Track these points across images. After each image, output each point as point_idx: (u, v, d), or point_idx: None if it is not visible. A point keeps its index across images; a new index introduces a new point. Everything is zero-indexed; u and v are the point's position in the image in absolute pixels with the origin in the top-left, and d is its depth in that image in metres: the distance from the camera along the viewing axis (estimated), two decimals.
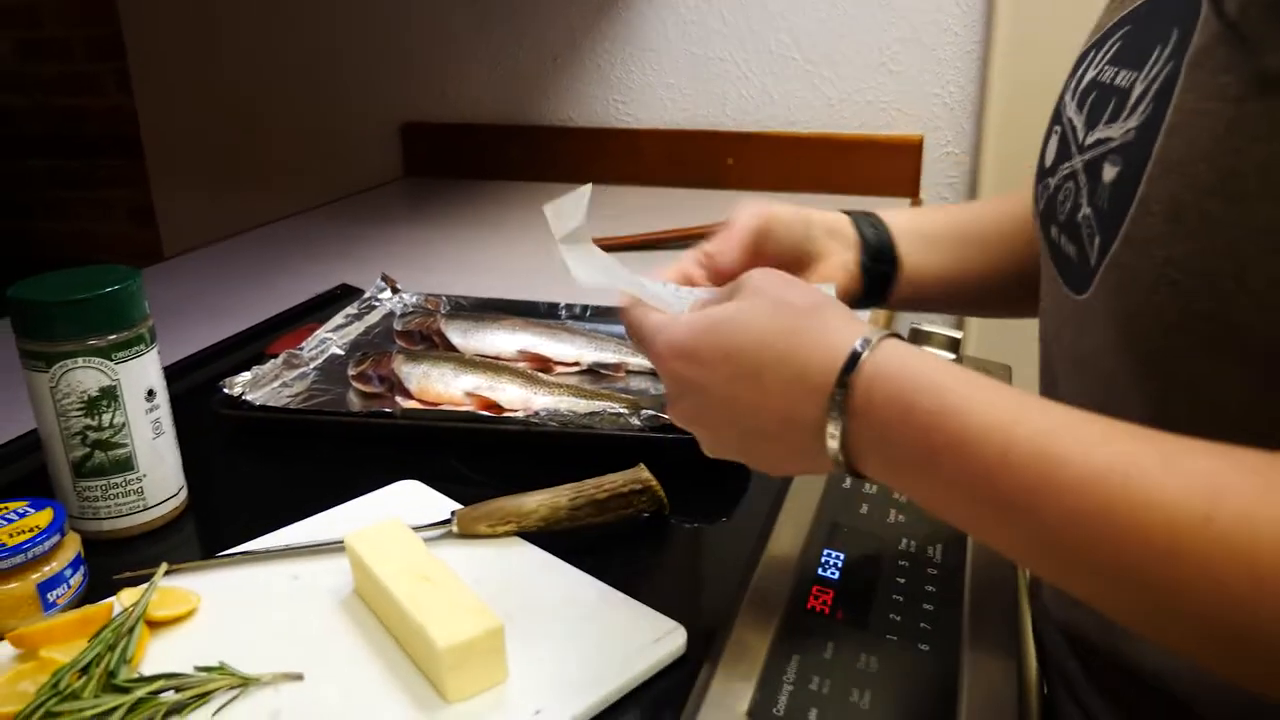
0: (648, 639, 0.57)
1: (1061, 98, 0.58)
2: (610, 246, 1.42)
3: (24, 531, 0.60)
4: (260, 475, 0.83)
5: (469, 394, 0.88)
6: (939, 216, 0.78)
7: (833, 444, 0.46)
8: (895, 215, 0.75)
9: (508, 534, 0.67)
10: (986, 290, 0.77)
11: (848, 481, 0.74)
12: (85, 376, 0.66)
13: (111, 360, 0.67)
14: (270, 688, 0.54)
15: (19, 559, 0.59)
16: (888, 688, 0.53)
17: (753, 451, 0.52)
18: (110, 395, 0.67)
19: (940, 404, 0.43)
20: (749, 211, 0.69)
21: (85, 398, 0.67)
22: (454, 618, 0.52)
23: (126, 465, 0.69)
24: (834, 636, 0.57)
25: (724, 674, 0.54)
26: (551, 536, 0.67)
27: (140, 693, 0.51)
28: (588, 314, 1.09)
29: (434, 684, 0.53)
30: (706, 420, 0.53)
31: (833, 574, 0.63)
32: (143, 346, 0.69)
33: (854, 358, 0.45)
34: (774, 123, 1.75)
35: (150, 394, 0.70)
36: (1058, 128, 0.57)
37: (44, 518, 0.62)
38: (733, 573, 0.65)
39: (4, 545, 0.59)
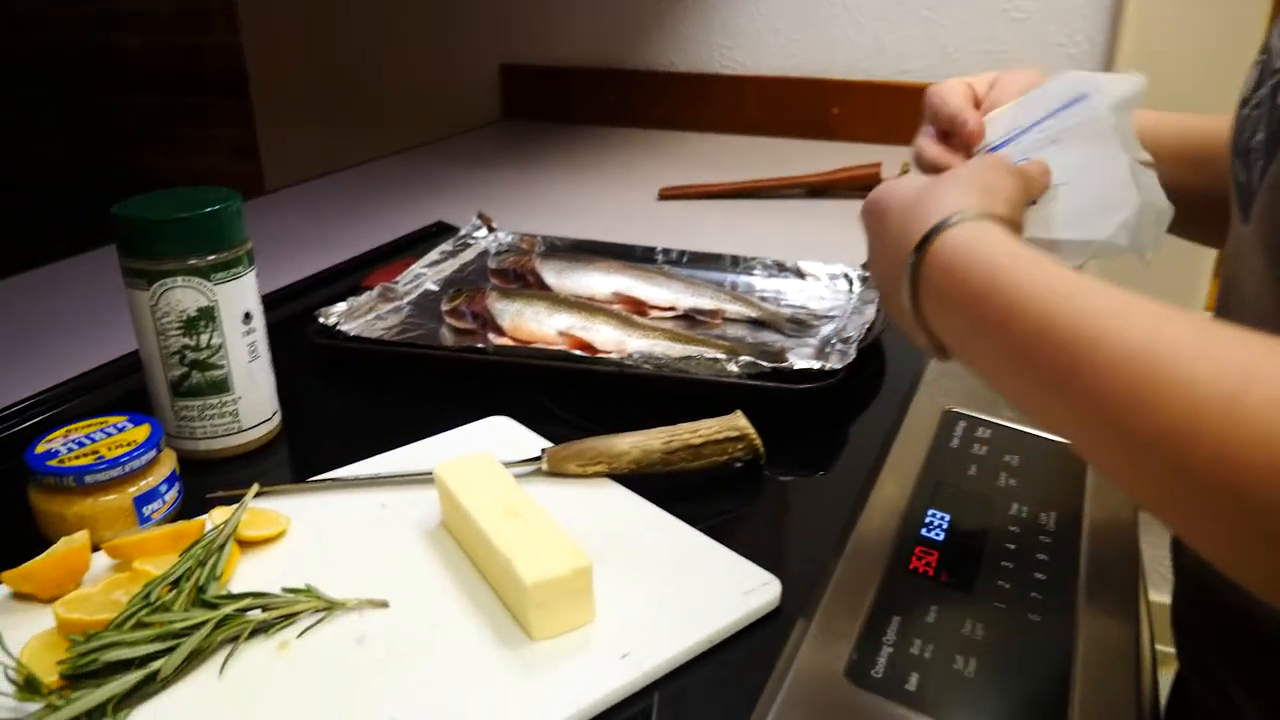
0: (741, 589, 0.54)
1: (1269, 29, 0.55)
2: (709, 194, 1.39)
3: (122, 446, 0.60)
4: (352, 405, 0.83)
5: (562, 333, 0.86)
6: (1168, 121, 0.70)
7: (906, 302, 0.49)
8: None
9: (598, 475, 0.65)
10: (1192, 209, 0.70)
11: (955, 440, 0.70)
12: (184, 296, 0.66)
13: (210, 281, 0.67)
14: (355, 613, 0.53)
15: (116, 472, 0.59)
16: (995, 657, 0.50)
17: (886, 298, 0.55)
18: (208, 316, 0.67)
19: (991, 280, 0.44)
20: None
21: (184, 317, 0.67)
22: (542, 554, 0.51)
23: (222, 386, 0.69)
24: (938, 600, 0.54)
25: (820, 631, 0.52)
26: (641, 480, 0.65)
27: (228, 609, 0.50)
28: (684, 259, 1.06)
29: (519, 620, 0.52)
30: (869, 256, 0.58)
31: (937, 535, 0.60)
32: (241, 269, 0.68)
33: (935, 229, 0.48)
34: (884, 71, 1.69)
35: (247, 317, 0.70)
36: (1262, 56, 0.54)
37: (141, 433, 0.62)
38: (830, 528, 0.62)
39: (102, 458, 0.59)
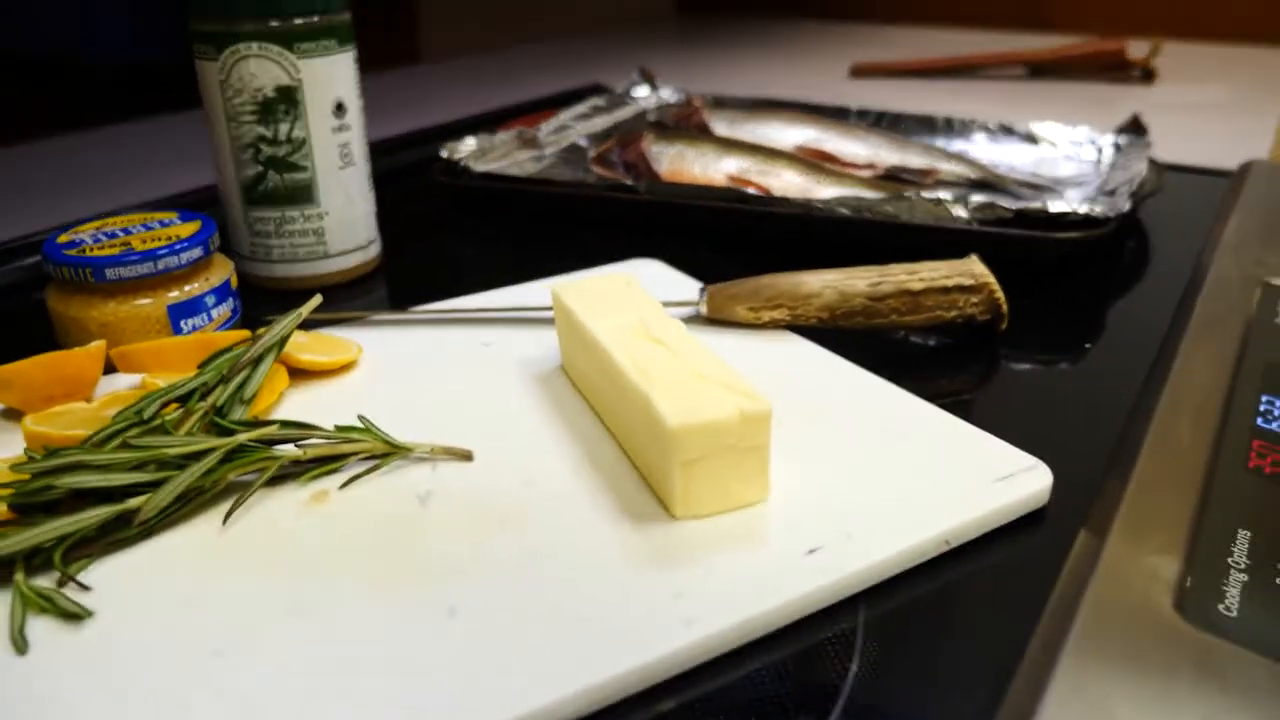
0: (991, 474, 0.36)
1: None
2: (910, 71, 1.17)
3: (160, 240, 0.47)
4: (474, 253, 0.68)
5: (733, 178, 0.68)
6: None
7: None
8: None
9: (776, 323, 0.47)
10: None
11: None
12: (260, 69, 0.52)
13: (292, 52, 0.52)
14: (427, 465, 0.37)
15: (146, 268, 0.45)
16: None
17: None
18: (289, 99, 0.53)
19: None
20: None
21: (259, 97, 0.52)
22: (696, 391, 0.34)
23: (306, 195, 0.55)
24: None
25: (1123, 542, 0.33)
26: (835, 338, 0.47)
27: (243, 438, 0.35)
28: (883, 122, 0.86)
29: (656, 489, 0.35)
30: None
31: None
32: (334, 43, 0.53)
33: None
34: None
35: (340, 108, 0.55)
36: None
37: (188, 228, 0.48)
38: (1112, 414, 0.42)
39: (132, 250, 0.45)
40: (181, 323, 0.47)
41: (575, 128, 0.86)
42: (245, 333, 0.43)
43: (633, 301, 0.41)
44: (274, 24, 0.51)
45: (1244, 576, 0.31)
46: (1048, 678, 0.27)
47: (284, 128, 0.53)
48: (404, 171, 0.79)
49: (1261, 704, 0.26)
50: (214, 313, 0.48)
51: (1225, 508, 0.35)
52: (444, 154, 0.73)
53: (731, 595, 0.30)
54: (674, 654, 0.28)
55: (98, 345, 0.42)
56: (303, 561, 0.32)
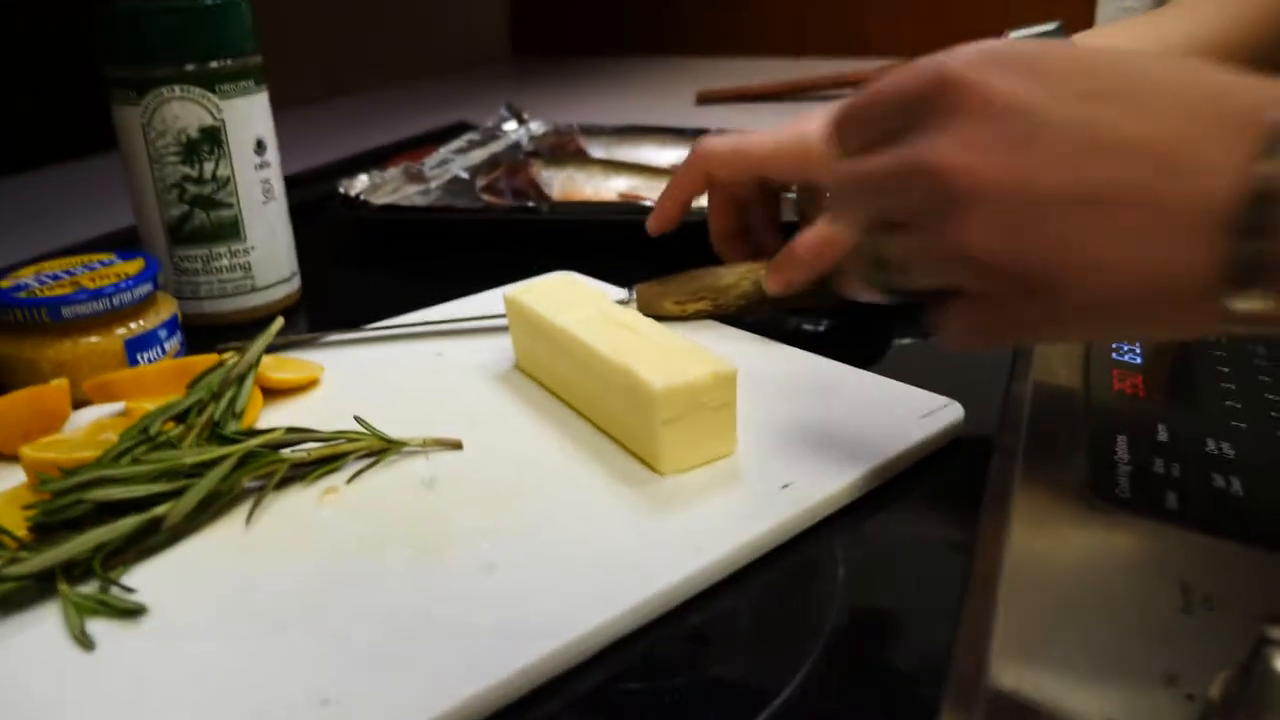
0: (914, 414, 0.42)
1: None
2: (750, 96, 1.27)
3: (108, 278, 0.48)
4: (383, 280, 0.70)
5: (625, 195, 0.74)
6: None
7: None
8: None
9: (700, 314, 0.53)
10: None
11: None
12: (183, 110, 0.54)
13: (214, 93, 0.54)
14: (420, 457, 0.41)
15: (101, 305, 0.46)
16: (1260, 475, 0.38)
17: (1077, 235, 0.28)
18: (213, 139, 0.55)
19: None
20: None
21: (184, 138, 0.54)
22: (669, 361, 0.38)
23: (232, 231, 0.57)
24: (1163, 419, 0.42)
25: (1031, 454, 0.40)
26: (751, 325, 0.52)
27: (252, 444, 0.38)
28: None
29: (641, 453, 0.39)
30: (1017, 160, 0.29)
31: (1132, 359, 0.48)
32: (251, 83, 0.56)
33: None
34: None
35: (260, 145, 0.57)
36: None
37: (133, 266, 0.49)
38: (995, 361, 0.50)
39: (84, 288, 0.47)
40: (138, 356, 0.48)
41: (455, 161, 0.90)
42: (215, 357, 0.45)
43: (585, 297, 0.46)
44: (191, 68, 0.53)
45: (1129, 468, 0.38)
46: (1003, 545, 0.33)
47: (209, 166, 0.55)
48: (295, 209, 0.81)
49: (1150, 551, 0.33)
50: (166, 345, 0.50)
51: (1104, 420, 0.42)
52: (341, 190, 0.75)
53: (728, 526, 0.35)
54: (690, 577, 0.33)
55: (61, 381, 0.43)
56: (338, 544, 0.35)
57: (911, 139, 0.31)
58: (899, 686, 0.31)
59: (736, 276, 0.52)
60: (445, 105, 1.34)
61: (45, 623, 0.32)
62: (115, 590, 0.33)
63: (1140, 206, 0.27)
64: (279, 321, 0.46)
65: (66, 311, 0.46)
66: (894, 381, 0.45)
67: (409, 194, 0.81)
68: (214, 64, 0.54)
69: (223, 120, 0.55)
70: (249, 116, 0.56)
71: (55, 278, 0.48)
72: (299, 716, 0.27)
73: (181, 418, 0.40)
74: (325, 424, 0.42)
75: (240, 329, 0.58)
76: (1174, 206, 0.27)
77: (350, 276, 0.70)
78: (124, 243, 0.66)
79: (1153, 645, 0.29)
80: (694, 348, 0.40)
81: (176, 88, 0.53)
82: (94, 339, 0.47)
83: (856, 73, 1.27)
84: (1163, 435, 0.41)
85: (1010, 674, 0.28)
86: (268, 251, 0.59)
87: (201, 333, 0.57)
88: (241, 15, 0.55)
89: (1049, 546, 0.34)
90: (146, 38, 0.52)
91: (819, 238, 0.49)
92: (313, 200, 0.79)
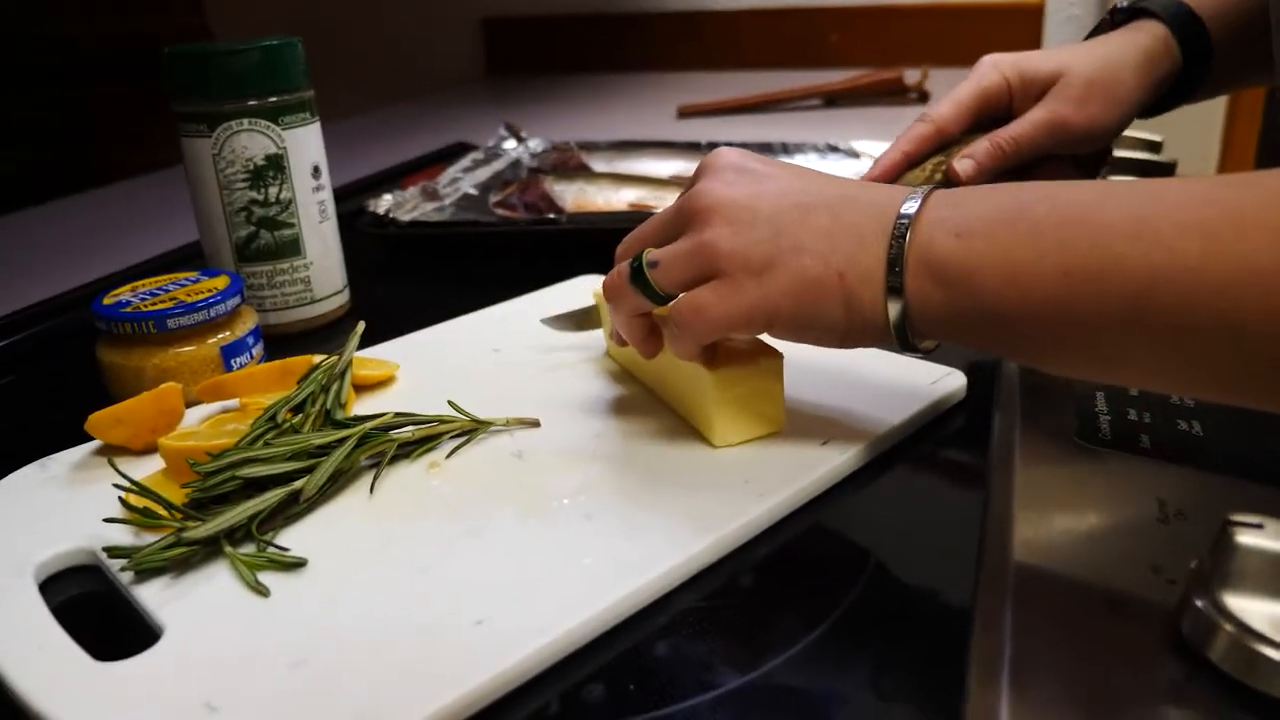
0: (924, 381, 0.49)
1: None
2: (728, 109, 1.34)
3: (202, 292, 0.54)
4: (419, 290, 0.76)
5: (634, 205, 0.80)
6: None
7: (910, 206, 0.38)
8: None
9: None
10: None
11: None
12: (251, 141, 0.59)
13: (278, 125, 0.60)
14: (504, 435, 0.47)
15: (200, 317, 0.52)
16: (1216, 418, 0.45)
17: (793, 243, 0.39)
18: (277, 165, 0.61)
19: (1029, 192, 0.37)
20: (980, 73, 0.60)
21: (251, 166, 0.60)
22: (726, 349, 0.45)
23: (294, 248, 0.62)
24: None
25: (1026, 408, 0.47)
26: None
27: (368, 426, 0.44)
28: None
29: (700, 426, 0.46)
30: (748, 198, 0.41)
31: None
32: (308, 115, 0.62)
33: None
34: None
35: (316, 170, 0.63)
36: None
37: (220, 282, 0.55)
38: None
39: (183, 303, 0.52)
40: (233, 360, 0.54)
41: (464, 179, 0.96)
42: (309, 358, 0.51)
43: None
44: (255, 102, 0.59)
45: (1109, 416, 0.46)
46: (1011, 480, 0.40)
47: (273, 190, 0.61)
48: None
49: (1130, 478, 0.40)
50: (254, 351, 0.55)
51: (1082, 383, 0.49)
52: (370, 208, 0.81)
53: (783, 476, 0.41)
54: (756, 518, 0.39)
55: (172, 385, 0.49)
56: (452, 506, 0.41)
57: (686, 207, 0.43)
58: (939, 569, 0.37)
59: None
60: (436, 126, 1.40)
61: (214, 579, 0.38)
62: (272, 550, 0.39)
63: (833, 214, 0.40)
64: (362, 325, 0.52)
65: (171, 324, 0.51)
66: (897, 357, 0.52)
67: (427, 210, 0.87)
68: (276, 98, 0.60)
69: (285, 149, 0.61)
70: (307, 144, 0.62)
71: (153, 294, 0.54)
72: (463, 635, 0.33)
73: (298, 408, 0.46)
74: (413, 411, 0.48)
75: (302, 337, 0.64)
76: (862, 207, 0.40)
77: (386, 287, 0.76)
78: (183, 261, 0.72)
79: (1139, 545, 0.36)
80: (744, 339, 0.46)
81: (245, 121, 0.59)
82: (192, 347, 0.53)
83: (819, 85, 1.35)
84: (1134, 390, 0.48)
85: (1030, 561, 0.35)
86: (324, 266, 0.64)
87: (270, 341, 0.63)
88: (298, 54, 0.61)
89: (1047, 477, 0.41)
90: (215, 80, 0.58)
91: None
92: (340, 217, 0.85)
